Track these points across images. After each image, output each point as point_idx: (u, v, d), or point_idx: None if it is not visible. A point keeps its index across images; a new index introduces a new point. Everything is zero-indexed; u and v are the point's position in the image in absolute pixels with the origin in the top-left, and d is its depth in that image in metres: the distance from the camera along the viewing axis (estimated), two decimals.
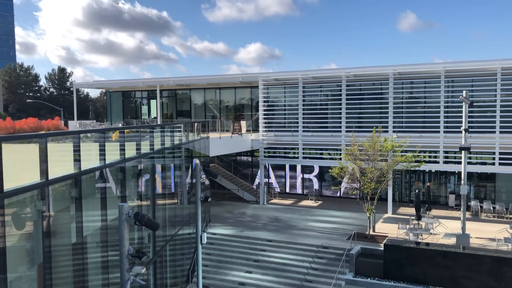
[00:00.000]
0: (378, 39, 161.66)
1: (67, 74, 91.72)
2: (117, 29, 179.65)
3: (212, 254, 24.43)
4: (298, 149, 32.71)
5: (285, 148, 33.90)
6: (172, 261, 20.85)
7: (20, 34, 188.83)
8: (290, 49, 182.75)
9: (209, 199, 16.43)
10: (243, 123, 34.98)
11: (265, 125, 33.96)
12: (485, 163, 28.36)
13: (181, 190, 23.03)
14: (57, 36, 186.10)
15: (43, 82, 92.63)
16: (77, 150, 11.81)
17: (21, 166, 11.24)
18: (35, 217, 10.34)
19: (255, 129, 35.80)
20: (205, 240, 16.27)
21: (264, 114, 33.98)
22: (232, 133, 33.46)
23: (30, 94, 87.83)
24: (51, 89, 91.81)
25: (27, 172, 10.45)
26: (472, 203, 29.46)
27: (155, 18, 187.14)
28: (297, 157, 32.94)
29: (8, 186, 8.70)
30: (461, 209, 23.15)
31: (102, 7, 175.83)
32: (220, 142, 30.68)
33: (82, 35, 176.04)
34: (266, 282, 22.11)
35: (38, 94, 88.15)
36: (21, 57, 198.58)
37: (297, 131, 32.75)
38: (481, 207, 29.21)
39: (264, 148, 33.92)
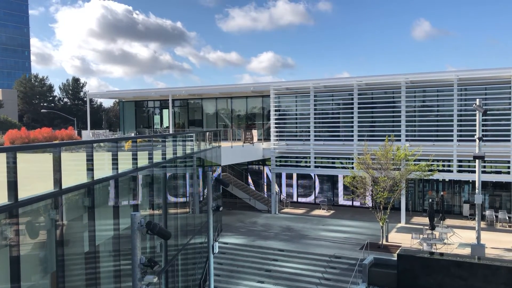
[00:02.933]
0: (392, 47, 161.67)
1: (81, 84, 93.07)
2: (132, 39, 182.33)
3: (223, 264, 24.37)
4: (309, 158, 32.64)
5: (296, 157, 33.84)
6: (183, 270, 20.84)
7: (36, 45, 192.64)
8: (303, 58, 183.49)
9: (221, 208, 16.40)
10: (255, 132, 35.01)
11: (276, 134, 33.96)
12: (500, 172, 28.01)
13: (192, 199, 23.07)
14: (73, 47, 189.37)
15: (57, 92, 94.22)
16: (90, 160, 11.92)
17: (35, 175, 11.37)
18: (48, 226, 10.44)
19: (267, 138, 35.82)
20: (216, 250, 16.23)
21: (276, 123, 34.00)
22: (244, 142, 33.49)
23: (45, 104, 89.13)
24: (65, 99, 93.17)
25: (41, 181, 10.56)
26: (487, 212, 29.02)
27: (170, 29, 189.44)
28: (309, 166, 32.85)
29: (22, 195, 8.80)
30: (476, 218, 22.83)
31: (117, 18, 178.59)
32: (232, 151, 30.73)
33: (97, 45, 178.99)
34: None
35: (52, 104, 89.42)
36: (37, 68, 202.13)
37: (309, 140, 32.69)
38: (496, 216, 28.76)
39: (276, 157, 33.89)
